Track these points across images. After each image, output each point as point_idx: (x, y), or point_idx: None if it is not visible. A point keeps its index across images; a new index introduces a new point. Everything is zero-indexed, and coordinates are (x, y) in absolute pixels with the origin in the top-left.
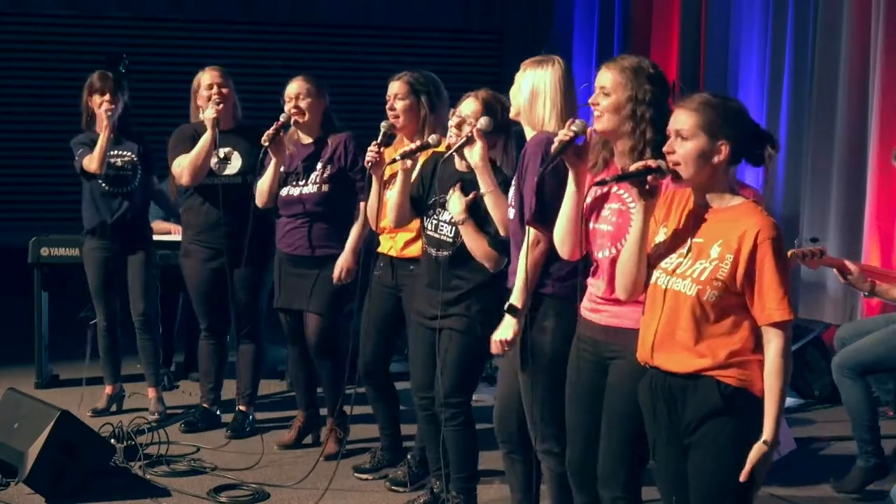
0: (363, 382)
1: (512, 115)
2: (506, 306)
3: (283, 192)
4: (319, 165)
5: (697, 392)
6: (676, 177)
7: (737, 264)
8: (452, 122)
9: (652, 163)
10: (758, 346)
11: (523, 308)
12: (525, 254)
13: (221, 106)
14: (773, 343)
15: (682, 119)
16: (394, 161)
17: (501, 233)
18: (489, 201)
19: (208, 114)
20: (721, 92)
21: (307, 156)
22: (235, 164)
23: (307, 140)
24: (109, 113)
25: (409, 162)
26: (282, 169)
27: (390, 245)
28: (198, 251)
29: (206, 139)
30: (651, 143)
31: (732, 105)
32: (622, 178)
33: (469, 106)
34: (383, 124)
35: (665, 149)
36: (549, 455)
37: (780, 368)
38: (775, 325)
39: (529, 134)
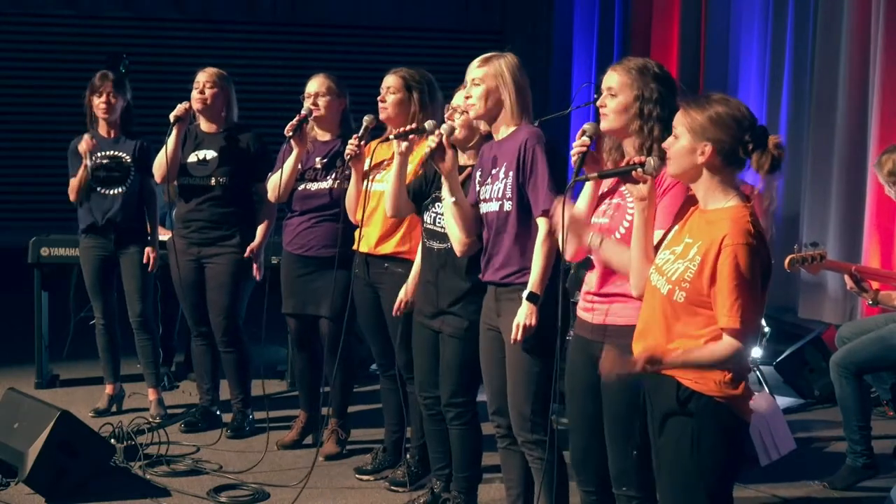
0: (380, 377)
1: (473, 116)
2: (525, 294)
3: (301, 186)
4: (339, 162)
5: (661, 391)
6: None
7: (703, 267)
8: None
9: (637, 158)
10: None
11: (541, 295)
12: (540, 244)
13: (186, 105)
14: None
15: (677, 117)
16: (386, 140)
17: (457, 248)
18: (448, 208)
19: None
20: (720, 92)
21: (327, 153)
22: (211, 167)
23: (325, 137)
24: (102, 110)
25: (403, 144)
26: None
27: (363, 240)
28: (176, 246)
29: (169, 139)
30: (659, 140)
31: (726, 110)
32: (606, 174)
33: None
34: (366, 118)
35: (664, 144)
36: (538, 445)
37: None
38: (726, 331)
39: (495, 130)
